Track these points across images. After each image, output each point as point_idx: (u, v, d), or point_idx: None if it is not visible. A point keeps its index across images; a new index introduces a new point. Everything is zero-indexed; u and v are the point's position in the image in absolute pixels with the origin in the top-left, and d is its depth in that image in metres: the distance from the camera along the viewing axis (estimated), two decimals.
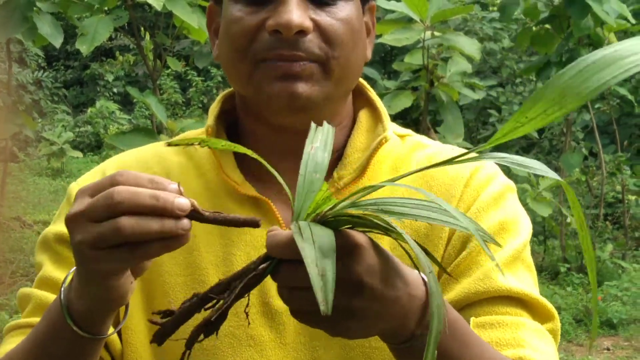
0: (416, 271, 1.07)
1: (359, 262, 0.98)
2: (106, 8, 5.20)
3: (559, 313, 7.17)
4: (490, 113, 11.35)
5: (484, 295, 1.25)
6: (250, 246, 1.33)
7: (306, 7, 1.27)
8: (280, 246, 0.98)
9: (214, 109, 1.41)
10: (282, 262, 0.99)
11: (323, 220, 0.99)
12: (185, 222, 1.01)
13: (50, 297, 1.32)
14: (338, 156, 1.39)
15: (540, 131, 11.61)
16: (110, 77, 16.09)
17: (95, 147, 14.84)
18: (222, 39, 1.34)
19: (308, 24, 1.26)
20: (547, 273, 8.53)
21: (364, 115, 1.42)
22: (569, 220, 8.03)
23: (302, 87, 1.26)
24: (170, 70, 13.79)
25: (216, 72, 15.00)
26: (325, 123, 1.09)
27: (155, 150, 1.45)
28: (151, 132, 4.75)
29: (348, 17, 1.30)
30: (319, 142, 1.07)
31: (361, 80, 1.44)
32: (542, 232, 9.59)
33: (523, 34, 7.93)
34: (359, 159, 1.37)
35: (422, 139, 1.47)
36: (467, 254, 1.31)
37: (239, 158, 1.37)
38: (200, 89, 15.51)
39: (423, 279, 1.06)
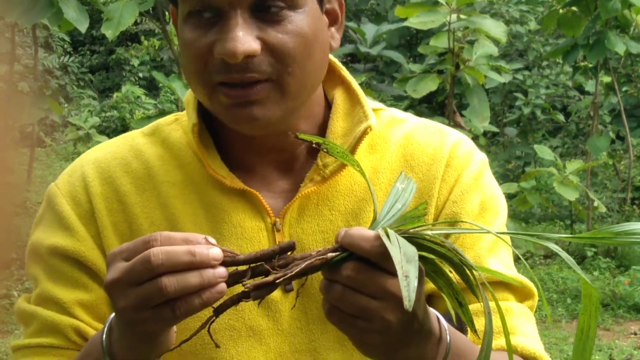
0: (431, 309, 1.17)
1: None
2: None
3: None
4: (516, 96, 11.28)
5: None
6: (241, 238, 1.34)
7: (251, 27, 1.21)
8: (367, 240, 1.03)
9: (192, 101, 1.37)
10: (350, 259, 1.05)
11: (403, 234, 1.05)
12: (222, 270, 1.05)
13: (56, 317, 1.34)
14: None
15: (567, 115, 11.53)
16: (135, 62, 16.12)
17: (122, 132, 14.79)
18: (180, 57, 1.31)
19: (255, 47, 1.20)
20: (574, 257, 8.45)
21: (339, 97, 1.40)
22: (595, 204, 7.98)
23: (258, 111, 1.24)
24: None
25: None
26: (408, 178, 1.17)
27: (130, 144, 1.42)
28: None
29: (299, 29, 1.23)
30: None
31: (332, 58, 1.40)
32: (569, 217, 9.54)
33: (550, 16, 7.87)
34: (341, 145, 1.35)
35: (395, 112, 1.46)
36: (455, 238, 1.36)
37: (221, 149, 1.36)
38: None
39: (437, 316, 1.17)
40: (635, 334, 6.66)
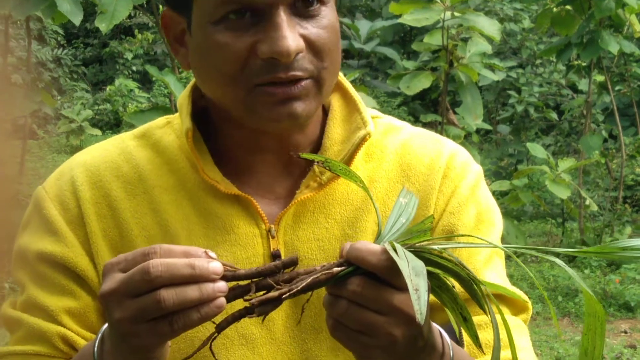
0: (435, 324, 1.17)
1: None
2: None
3: (577, 296, 7.16)
4: (510, 94, 11.28)
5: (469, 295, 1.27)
6: (235, 245, 1.32)
7: (294, 24, 1.21)
8: (373, 254, 1.03)
9: (186, 105, 1.35)
10: (356, 274, 1.04)
11: (409, 249, 1.04)
12: (222, 284, 1.03)
13: (43, 324, 1.31)
14: (315, 147, 1.38)
15: (560, 113, 11.55)
16: (129, 55, 16.08)
17: (114, 125, 14.87)
18: (202, 61, 1.26)
19: (302, 45, 1.21)
20: (565, 255, 8.49)
21: (336, 103, 1.40)
22: (587, 202, 7.99)
23: (301, 107, 1.23)
24: None
25: None
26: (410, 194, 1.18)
27: (120, 147, 1.39)
28: (169, 110, 4.75)
29: (331, 23, 1.25)
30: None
31: None
32: (561, 214, 9.55)
33: (543, 14, 7.87)
34: (339, 152, 1.35)
35: (392, 120, 1.46)
36: (452, 250, 1.34)
37: (215, 154, 1.34)
38: None
39: (440, 331, 1.16)
40: (626, 332, 6.68)
